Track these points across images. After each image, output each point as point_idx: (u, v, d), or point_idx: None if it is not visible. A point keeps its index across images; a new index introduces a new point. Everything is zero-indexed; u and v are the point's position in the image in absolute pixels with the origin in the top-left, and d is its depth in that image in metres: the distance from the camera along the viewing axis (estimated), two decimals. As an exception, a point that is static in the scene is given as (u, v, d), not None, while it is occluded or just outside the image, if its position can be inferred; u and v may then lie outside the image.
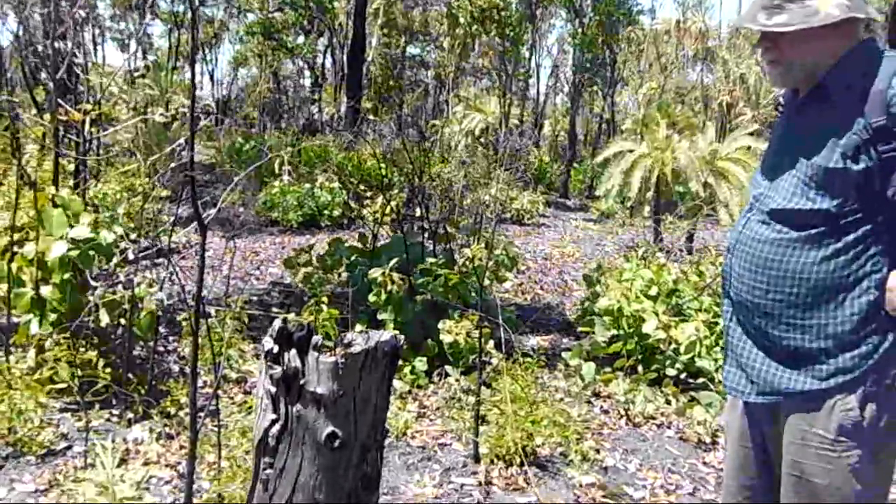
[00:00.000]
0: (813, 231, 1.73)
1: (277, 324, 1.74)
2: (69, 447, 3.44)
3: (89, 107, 4.17)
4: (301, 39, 25.53)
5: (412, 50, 29.60)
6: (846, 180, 1.67)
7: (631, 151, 10.61)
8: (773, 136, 1.97)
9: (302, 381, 1.68)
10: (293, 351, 1.69)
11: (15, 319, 4.06)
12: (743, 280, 1.86)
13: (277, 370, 1.69)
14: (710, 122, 15.70)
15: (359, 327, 4.48)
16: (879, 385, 1.70)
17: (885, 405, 1.70)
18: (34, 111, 5.78)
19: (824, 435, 1.72)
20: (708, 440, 3.98)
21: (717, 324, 4.61)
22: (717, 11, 67.15)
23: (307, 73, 28.92)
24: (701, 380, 4.49)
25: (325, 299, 4.49)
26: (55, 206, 3.99)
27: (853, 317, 1.70)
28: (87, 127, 4.70)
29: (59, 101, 4.08)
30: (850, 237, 1.69)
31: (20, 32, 6.04)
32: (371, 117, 19.26)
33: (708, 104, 24.91)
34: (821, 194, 1.71)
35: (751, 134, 11.07)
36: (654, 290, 5.04)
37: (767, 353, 1.83)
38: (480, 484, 3.36)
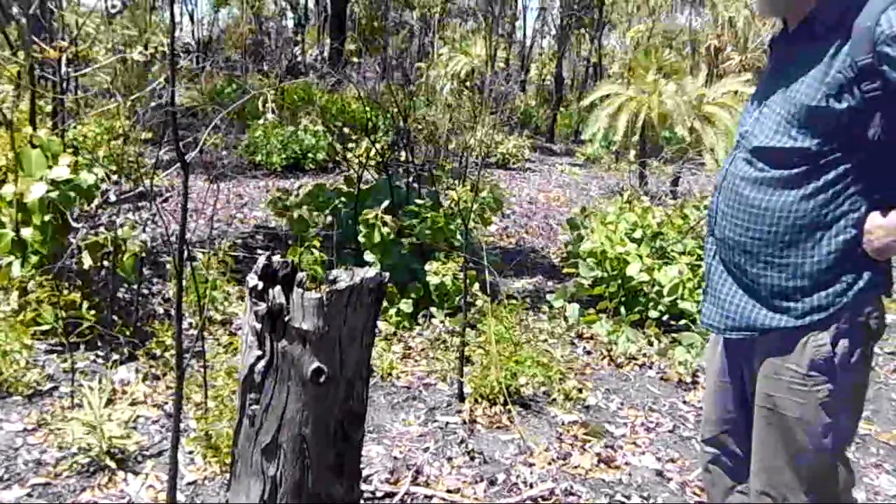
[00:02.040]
0: (794, 170, 1.72)
1: (262, 261, 1.73)
2: (55, 388, 3.45)
3: (65, 44, 4.06)
4: (283, -22, 24.90)
5: (397, -10, 28.97)
6: (829, 119, 1.65)
7: (617, 95, 10.53)
8: (761, 75, 1.96)
9: (287, 318, 1.69)
10: (278, 288, 1.69)
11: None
12: (726, 218, 1.86)
13: (262, 307, 1.69)
14: (703, 65, 15.54)
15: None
16: (852, 322, 1.72)
17: (857, 342, 1.73)
18: (7, 50, 5.64)
19: (796, 370, 1.75)
20: (689, 380, 4.06)
21: (699, 266, 4.65)
22: (707, -47, 65.79)
23: (290, 13, 28.29)
24: (683, 321, 4.55)
25: (316, 243, 4.47)
26: (33, 146, 3.92)
27: (829, 256, 1.71)
28: (63, 66, 4.58)
29: (34, 38, 3.97)
30: (830, 176, 1.69)
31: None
32: (355, 59, 18.93)
33: (696, 48, 24.66)
34: (802, 133, 1.70)
35: (739, 80, 11.00)
36: (638, 233, 5.07)
37: (746, 290, 1.85)
38: (464, 422, 3.42)
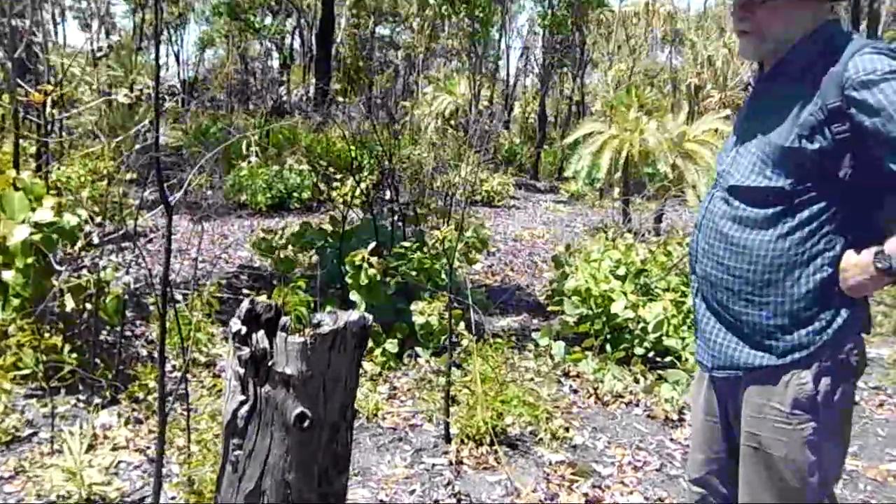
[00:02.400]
0: (769, 209, 1.76)
1: (245, 305, 1.73)
2: (35, 433, 3.40)
3: (50, 87, 4.08)
4: (269, 20, 25.19)
5: (381, 31, 29.39)
6: (801, 159, 1.69)
7: (600, 133, 10.66)
8: (738, 115, 2.00)
9: (270, 363, 1.68)
10: (261, 332, 1.69)
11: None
12: (707, 255, 1.89)
13: (245, 351, 1.68)
14: (684, 103, 15.79)
15: (329, 309, 4.46)
16: (834, 360, 1.74)
17: (839, 379, 1.74)
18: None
19: (780, 408, 1.76)
20: (675, 417, 4.05)
21: (684, 303, 4.67)
22: (685, -6, 67.30)
23: (275, 54, 28.56)
24: (668, 358, 4.56)
25: (301, 283, 4.46)
26: (16, 189, 3.91)
27: (808, 294, 1.73)
28: (48, 108, 4.60)
29: (19, 81, 3.98)
30: (805, 215, 1.72)
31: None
32: (340, 99, 19.09)
33: (677, 86, 25.08)
34: (777, 172, 1.73)
35: (719, 117, 11.19)
36: (622, 271, 5.09)
37: (729, 328, 1.87)
38: (451, 463, 3.39)
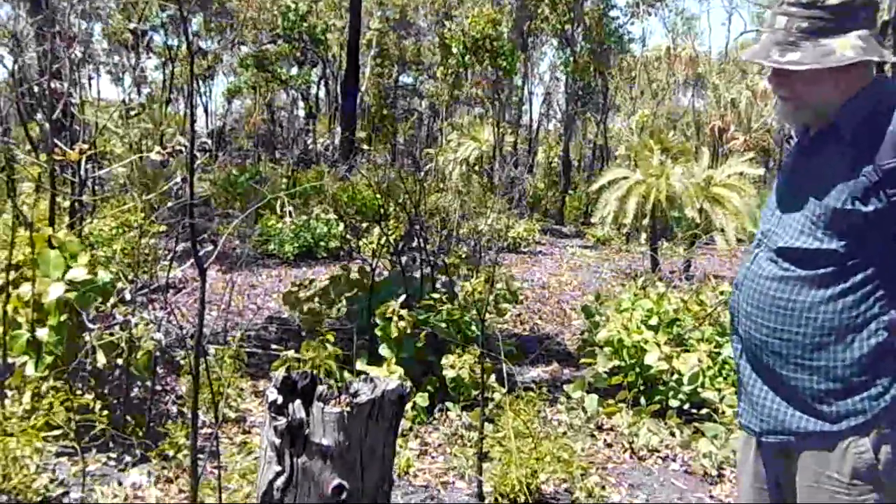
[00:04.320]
0: (820, 271, 1.71)
1: (281, 373, 1.71)
2: (66, 493, 3.37)
3: (86, 147, 4.15)
4: (294, 71, 25.70)
5: (405, 79, 29.81)
6: (854, 222, 1.65)
7: (625, 178, 10.63)
8: (782, 171, 1.96)
9: (307, 432, 1.65)
10: (297, 402, 1.66)
11: (10, 360, 4.00)
12: (751, 318, 1.84)
13: (282, 421, 1.65)
14: (705, 148, 15.76)
15: (359, 364, 4.43)
16: (893, 426, 1.67)
17: None
18: (28, 147, 5.77)
19: (839, 478, 1.69)
20: (714, 473, 3.93)
21: (719, 354, 4.58)
22: (706, 37, 67.93)
23: (301, 104, 29.06)
24: (705, 411, 4.45)
25: (330, 337, 4.44)
26: (51, 247, 3.96)
27: (861, 359, 1.67)
28: (83, 165, 4.68)
29: (56, 140, 4.07)
30: (858, 278, 1.67)
31: (15, 71, 6.05)
32: (366, 147, 19.33)
33: (700, 129, 25.09)
34: (828, 234, 1.69)
35: (744, 160, 11.13)
36: (654, 320, 5.02)
37: (777, 392, 1.80)
38: (485, 524, 3.31)
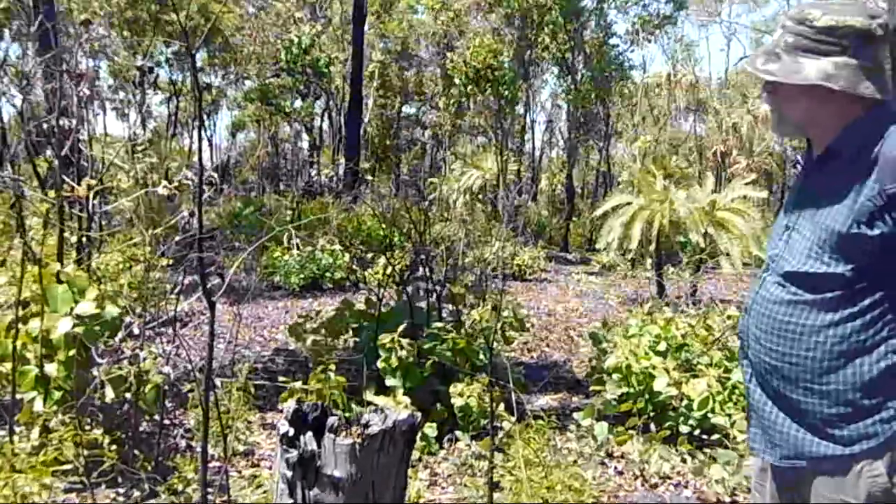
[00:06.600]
0: (828, 295, 1.71)
1: (292, 405, 1.71)
2: (75, 530, 3.36)
3: (94, 182, 4.19)
4: (298, 103, 25.95)
5: (408, 110, 30.06)
6: (860, 246, 1.65)
7: (629, 204, 10.67)
8: (789, 196, 1.97)
9: (318, 464, 1.65)
10: (309, 434, 1.66)
11: (19, 396, 4.00)
12: (760, 342, 1.84)
13: (293, 454, 1.65)
14: (709, 172, 15.80)
15: (368, 394, 4.42)
16: None
17: None
18: (36, 183, 5.83)
19: (853, 503, 1.68)
20: (727, 500, 3.90)
21: (729, 378, 4.56)
22: (706, 63, 68.46)
23: (305, 136, 29.29)
24: (716, 436, 4.41)
25: (332, 366, 4.43)
26: (59, 282, 3.98)
27: (871, 382, 1.67)
28: (90, 200, 4.72)
29: (63, 177, 4.11)
30: (866, 302, 1.67)
31: (24, 109, 6.13)
32: (369, 178, 19.43)
33: (702, 154, 25.19)
34: (835, 259, 1.69)
35: (748, 183, 11.16)
36: (662, 346, 5.00)
37: (789, 415, 1.80)
38: (497, 555, 3.27)
